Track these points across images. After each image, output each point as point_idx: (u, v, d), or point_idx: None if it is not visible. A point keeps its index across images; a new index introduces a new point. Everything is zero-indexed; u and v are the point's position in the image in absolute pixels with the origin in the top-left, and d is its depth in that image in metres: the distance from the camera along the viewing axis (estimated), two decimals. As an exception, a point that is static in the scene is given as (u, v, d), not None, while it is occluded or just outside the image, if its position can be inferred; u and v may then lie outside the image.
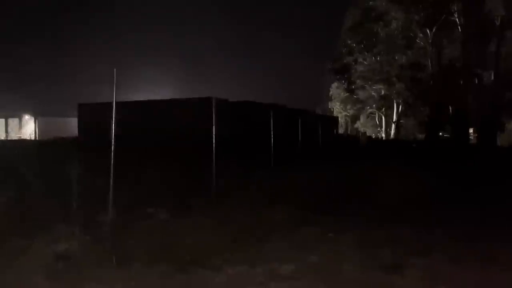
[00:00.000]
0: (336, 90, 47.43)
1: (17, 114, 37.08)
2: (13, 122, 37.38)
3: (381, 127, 46.02)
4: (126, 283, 4.46)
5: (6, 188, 5.70)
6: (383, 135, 44.42)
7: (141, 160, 9.31)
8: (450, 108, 31.95)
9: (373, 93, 40.44)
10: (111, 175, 5.96)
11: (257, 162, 12.04)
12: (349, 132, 50.02)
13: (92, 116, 18.97)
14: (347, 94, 44.43)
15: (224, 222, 6.51)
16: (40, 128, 35.09)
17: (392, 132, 42.22)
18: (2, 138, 35.26)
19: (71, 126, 27.05)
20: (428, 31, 32.37)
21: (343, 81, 44.28)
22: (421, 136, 40.00)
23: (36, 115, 36.20)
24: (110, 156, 5.99)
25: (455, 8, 29.72)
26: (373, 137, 43.31)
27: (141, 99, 19.65)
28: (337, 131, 35.55)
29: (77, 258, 4.96)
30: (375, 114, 46.64)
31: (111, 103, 5.88)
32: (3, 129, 37.58)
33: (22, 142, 23.05)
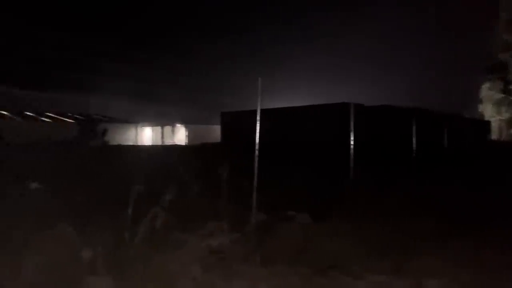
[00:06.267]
0: (487, 91, 42.35)
1: (171, 122, 42.06)
2: (167, 129, 42.51)
3: (545, 132, 39.55)
4: (269, 281, 4.74)
5: (169, 188, 6.53)
6: (548, 141, 38.07)
7: (279, 165, 9.71)
8: None
9: (535, 94, 35.08)
10: (255, 178, 6.38)
11: (396, 169, 11.48)
12: (503, 138, 44.12)
13: (233, 123, 20.35)
14: (502, 95, 39.34)
15: (363, 230, 6.40)
16: (189, 134, 39.37)
17: (561, 138, 35.95)
18: (159, 143, 40.41)
19: (214, 132, 29.58)
20: None
21: (497, 81, 39.38)
22: None
23: (185, 123, 40.65)
24: (252, 160, 6.42)
25: None
26: (535, 144, 37.42)
27: (277, 106, 20.39)
28: (489, 137, 31.68)
29: (226, 253, 5.44)
30: (538, 117, 40.31)
31: (249, 111, 6.31)
32: (160, 135, 42.99)
33: (176, 147, 26.17)
